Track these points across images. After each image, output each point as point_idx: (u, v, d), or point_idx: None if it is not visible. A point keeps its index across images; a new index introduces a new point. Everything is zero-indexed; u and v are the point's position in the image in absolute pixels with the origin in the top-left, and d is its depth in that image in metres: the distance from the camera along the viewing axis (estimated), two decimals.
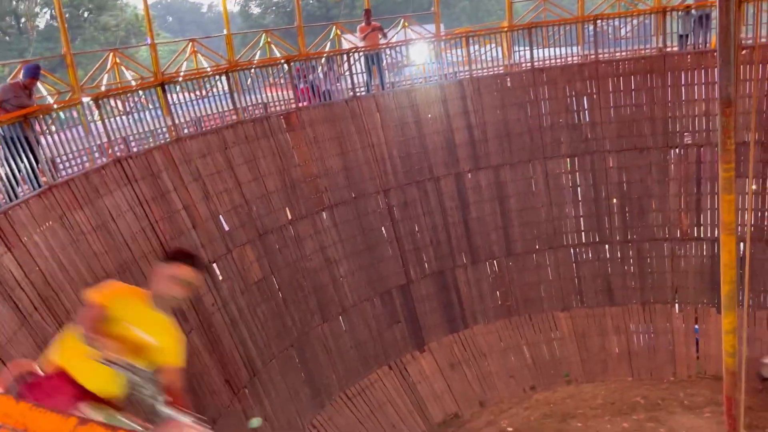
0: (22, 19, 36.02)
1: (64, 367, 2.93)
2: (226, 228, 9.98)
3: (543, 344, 12.96)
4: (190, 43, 13.48)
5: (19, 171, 7.19)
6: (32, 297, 6.44)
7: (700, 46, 12.19)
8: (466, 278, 12.86)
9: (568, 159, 12.59)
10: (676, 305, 12.80)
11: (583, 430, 11.22)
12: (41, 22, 37.53)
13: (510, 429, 11.43)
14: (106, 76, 12.21)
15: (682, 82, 12.22)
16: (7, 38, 35.39)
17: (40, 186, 7.33)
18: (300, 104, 11.57)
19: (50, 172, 7.57)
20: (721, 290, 6.84)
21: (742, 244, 10.84)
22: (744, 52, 11.03)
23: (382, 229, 12.28)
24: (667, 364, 12.57)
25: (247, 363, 9.79)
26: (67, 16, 27.58)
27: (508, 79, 12.59)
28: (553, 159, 12.57)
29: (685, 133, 12.23)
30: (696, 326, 12.62)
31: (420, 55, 13.53)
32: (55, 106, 9.75)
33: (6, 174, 6.98)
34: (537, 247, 13.02)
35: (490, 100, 12.61)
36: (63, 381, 2.88)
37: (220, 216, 9.94)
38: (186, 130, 9.88)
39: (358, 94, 12.11)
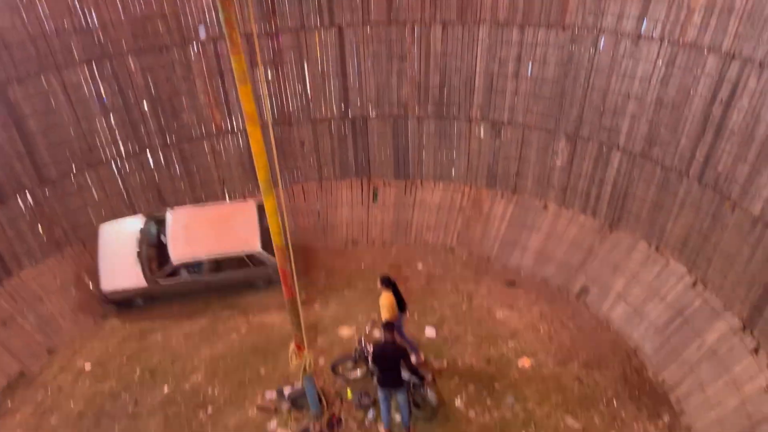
0: None
1: None
2: None
3: None
4: None
5: None
6: None
7: None
8: None
9: (85, 66, 12.63)
10: (226, 197, 14.82)
11: (165, 341, 12.59)
12: None
13: (87, 365, 11.93)
14: None
15: None
16: None
17: None
18: None
19: None
20: (258, 177, 7.92)
21: (267, 130, 13.12)
22: None
23: None
24: None
25: None
26: None
27: None
28: (69, 68, 12.47)
29: (202, 27, 13.53)
30: None
31: None
32: None
33: None
34: (74, 168, 13.08)
35: None
36: None
37: None
38: None
39: None
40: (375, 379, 9.66)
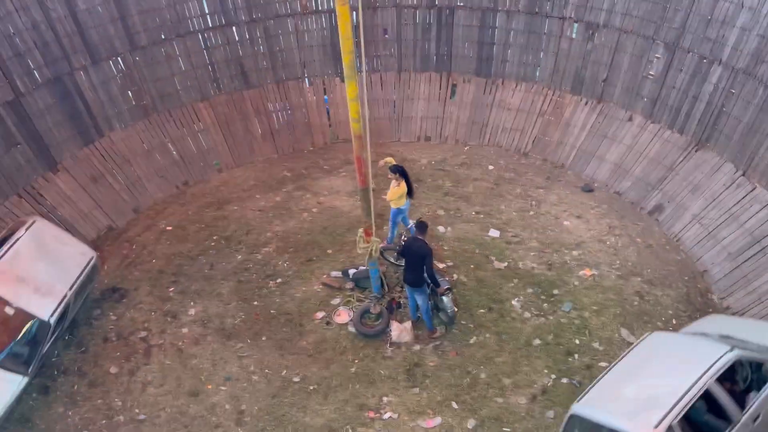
0: None
1: None
2: None
3: (188, 138, 13.93)
4: None
5: None
6: None
7: None
8: (90, 82, 12.56)
9: None
10: (306, 80, 14.78)
11: (240, 212, 12.98)
12: None
13: (169, 227, 12.54)
14: None
15: None
16: None
17: None
18: None
19: None
20: (343, 61, 7.62)
21: (354, 13, 12.74)
22: None
23: None
24: (305, 136, 14.84)
25: None
26: None
27: None
28: None
29: None
30: (325, 97, 14.89)
31: None
32: None
33: None
34: (163, 36, 13.19)
35: None
36: None
37: None
38: None
39: None
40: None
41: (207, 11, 13.42)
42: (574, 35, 13.36)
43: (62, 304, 9.12)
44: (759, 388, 7.32)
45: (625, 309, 10.41)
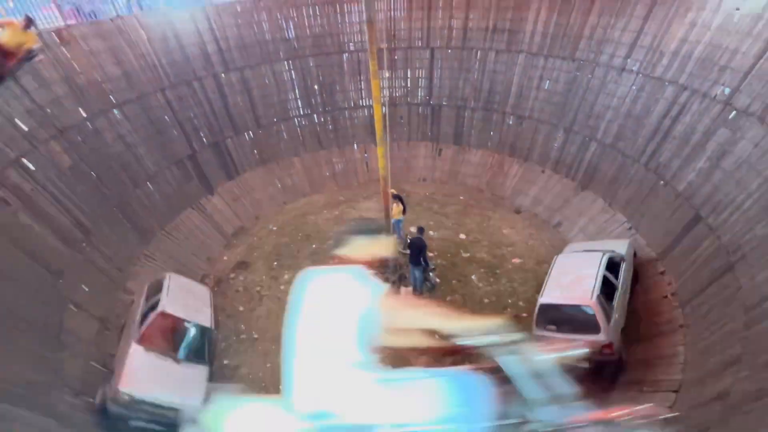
0: None
1: None
2: (25, 129, 8.25)
3: (287, 177, 14.18)
4: None
5: None
6: None
7: None
8: (234, 144, 12.93)
9: (285, 62, 12.81)
10: (355, 145, 14.97)
11: (315, 220, 13.14)
12: None
13: (274, 227, 12.79)
14: None
15: (347, 10, 12.95)
16: None
17: None
18: (67, 22, 9.27)
19: None
20: (376, 136, 8.13)
21: (383, 107, 12.98)
22: None
23: (166, 117, 11.33)
24: (354, 178, 15.03)
25: (77, 225, 8.88)
26: None
27: (238, 7, 11.76)
28: (276, 62, 12.71)
29: (351, 43, 13.31)
30: (366, 155, 15.08)
31: None
32: None
33: None
34: (275, 119, 13.52)
35: (228, 20, 11.77)
36: None
37: (15, 119, 8.11)
38: None
39: (120, 14, 10.11)
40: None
41: (300, 105, 13.75)
42: (510, 122, 13.42)
43: (214, 318, 8.46)
44: (619, 271, 7.91)
45: (538, 282, 10.22)
